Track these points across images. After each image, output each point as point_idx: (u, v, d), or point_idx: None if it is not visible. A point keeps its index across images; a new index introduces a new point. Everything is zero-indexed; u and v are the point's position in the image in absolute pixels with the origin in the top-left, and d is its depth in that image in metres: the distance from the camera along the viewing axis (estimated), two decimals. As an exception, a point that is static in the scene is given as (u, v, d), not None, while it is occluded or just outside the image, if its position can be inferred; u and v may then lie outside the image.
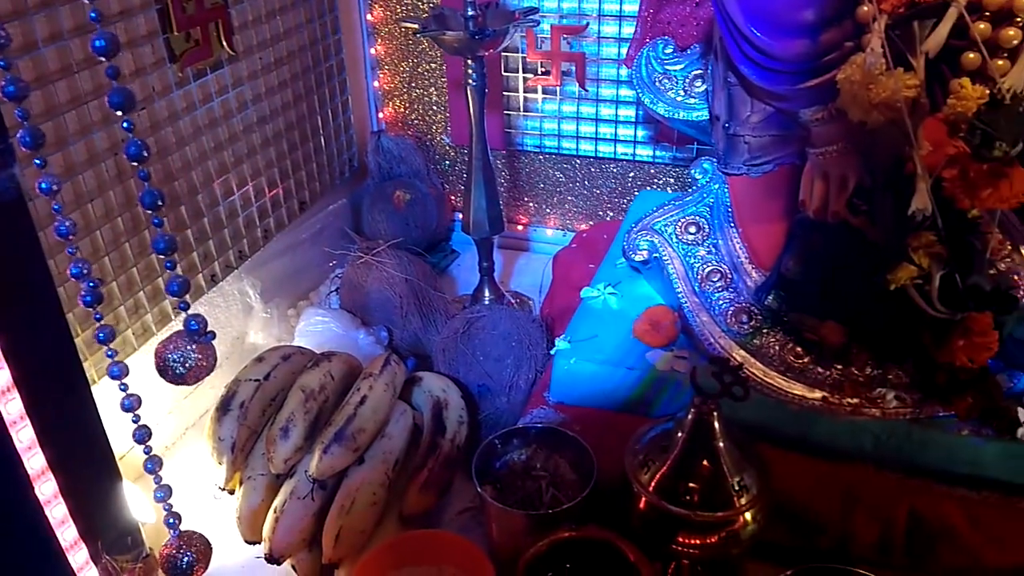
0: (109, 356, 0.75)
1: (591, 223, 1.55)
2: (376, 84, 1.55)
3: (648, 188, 1.48)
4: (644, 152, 1.46)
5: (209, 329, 0.73)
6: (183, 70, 1.07)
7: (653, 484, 0.82)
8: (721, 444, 0.80)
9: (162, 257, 0.72)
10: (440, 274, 1.50)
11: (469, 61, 1.15)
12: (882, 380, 0.91)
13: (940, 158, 0.82)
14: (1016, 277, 0.96)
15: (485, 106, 1.20)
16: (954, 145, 0.81)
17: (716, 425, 0.80)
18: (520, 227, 1.61)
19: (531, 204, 1.59)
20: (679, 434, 0.81)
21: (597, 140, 1.47)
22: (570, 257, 1.34)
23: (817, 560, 0.85)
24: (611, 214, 1.54)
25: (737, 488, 0.80)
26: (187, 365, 0.71)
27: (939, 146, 0.83)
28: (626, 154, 1.47)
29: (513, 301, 1.38)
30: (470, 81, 1.17)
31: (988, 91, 0.79)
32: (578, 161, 1.51)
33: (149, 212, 0.69)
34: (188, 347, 0.71)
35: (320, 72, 1.40)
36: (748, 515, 0.81)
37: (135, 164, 0.69)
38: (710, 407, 0.80)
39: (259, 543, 0.92)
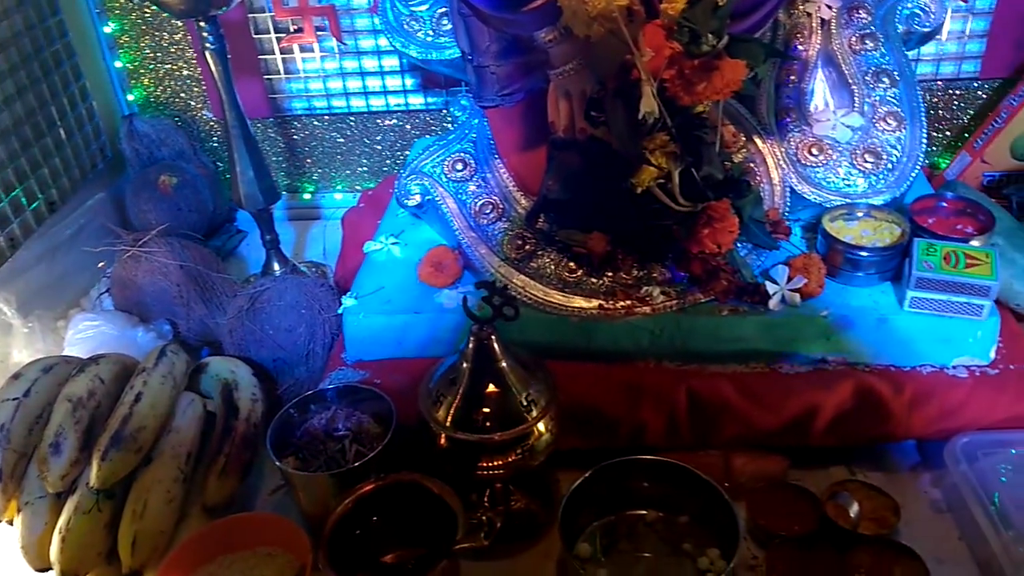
0: None
1: (380, 180, 1.52)
2: (118, 64, 1.43)
3: (428, 136, 1.47)
4: (417, 100, 1.45)
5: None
6: None
7: (448, 418, 0.83)
8: (504, 364, 0.83)
9: None
10: (227, 256, 1.43)
11: (202, 23, 1.08)
12: (648, 279, 0.97)
13: (661, 61, 0.87)
14: (752, 164, 1.04)
15: (236, 72, 1.14)
16: (670, 47, 0.85)
17: (496, 347, 0.82)
18: (308, 195, 1.56)
19: (315, 170, 1.54)
20: (464, 364, 0.82)
21: (367, 95, 1.44)
22: (357, 217, 1.31)
23: (618, 455, 0.90)
24: (397, 168, 1.52)
25: (525, 403, 0.83)
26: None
27: (659, 50, 0.87)
28: (399, 105, 1.45)
29: (307, 272, 1.34)
30: (207, 45, 1.10)
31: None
32: (352, 119, 1.48)
33: None
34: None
35: (45, 59, 1.27)
36: (541, 426, 0.84)
37: None
38: (487, 332, 0.81)
39: (50, 569, 0.85)
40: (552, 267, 1.00)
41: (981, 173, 1.29)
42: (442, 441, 0.84)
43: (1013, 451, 0.88)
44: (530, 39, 0.96)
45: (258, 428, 0.96)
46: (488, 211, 1.05)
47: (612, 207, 0.95)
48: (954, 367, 0.93)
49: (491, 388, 0.82)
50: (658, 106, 0.87)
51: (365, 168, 1.53)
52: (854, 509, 0.82)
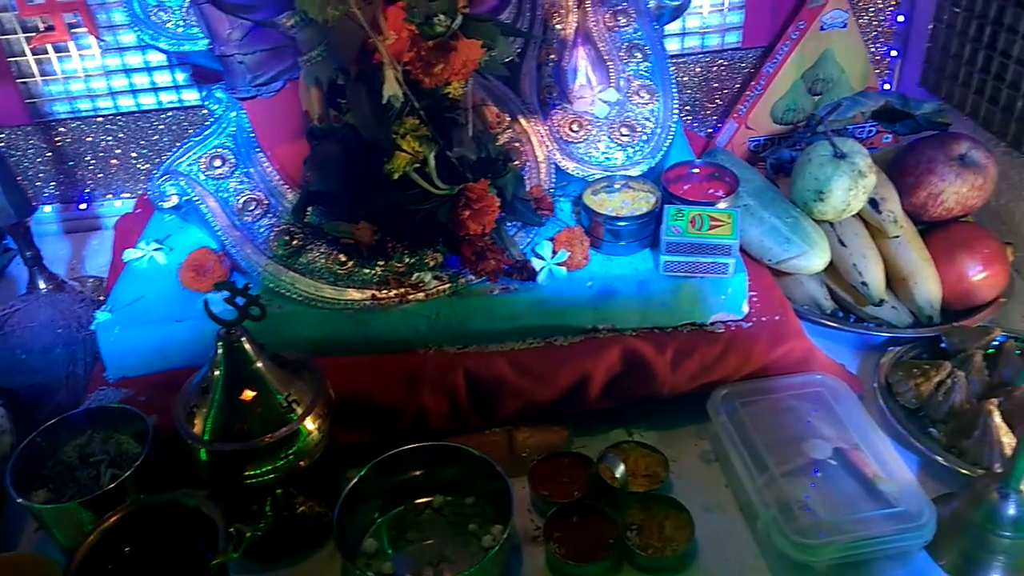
0: None
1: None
2: None
3: (210, 133, 1.40)
4: (191, 96, 1.36)
5: None
6: None
7: (205, 430, 0.79)
8: (259, 366, 0.79)
9: None
10: (-5, 278, 1.31)
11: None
12: (420, 265, 0.96)
13: (404, 44, 0.86)
14: (518, 144, 1.05)
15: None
16: (409, 29, 0.84)
17: (248, 349, 0.79)
18: (83, 205, 1.44)
19: (88, 177, 1.43)
20: (215, 372, 0.79)
21: (135, 93, 1.35)
22: (130, 224, 1.23)
23: (407, 443, 0.89)
24: (181, 169, 1.43)
25: (286, 404, 0.80)
26: None
27: (402, 32, 0.86)
28: (172, 102, 1.37)
29: (79, 288, 1.24)
30: (-79, 47, 0.99)
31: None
32: (122, 120, 1.38)
33: None
34: None
35: None
36: (309, 424, 0.81)
37: None
38: (235, 335, 0.78)
39: None
40: (322, 261, 0.97)
41: (747, 139, 1.37)
42: (202, 455, 0.79)
43: (766, 397, 0.94)
44: (272, 25, 0.92)
45: (7, 462, 0.88)
46: (252, 207, 1.00)
47: (374, 195, 0.93)
48: (712, 324, 0.98)
49: (248, 393, 0.79)
50: (404, 89, 0.86)
51: (145, 171, 1.43)
52: (619, 470, 0.85)
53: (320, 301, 0.95)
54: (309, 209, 0.99)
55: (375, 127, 0.85)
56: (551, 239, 0.97)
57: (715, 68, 1.43)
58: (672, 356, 0.94)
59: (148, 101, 1.36)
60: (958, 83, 1.28)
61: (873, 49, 1.43)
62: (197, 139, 1.04)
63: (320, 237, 0.98)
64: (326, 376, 0.85)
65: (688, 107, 1.46)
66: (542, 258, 0.96)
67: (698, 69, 1.42)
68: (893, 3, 1.39)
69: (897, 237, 1.05)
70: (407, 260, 0.97)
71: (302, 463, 0.82)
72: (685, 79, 1.43)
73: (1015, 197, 1.18)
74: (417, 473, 0.90)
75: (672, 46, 1.38)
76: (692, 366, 0.95)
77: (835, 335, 1.08)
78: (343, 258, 0.97)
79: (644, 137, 1.06)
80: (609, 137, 1.06)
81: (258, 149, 1.02)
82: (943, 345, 1.01)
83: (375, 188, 0.92)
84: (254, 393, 0.79)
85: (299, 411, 0.80)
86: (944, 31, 1.30)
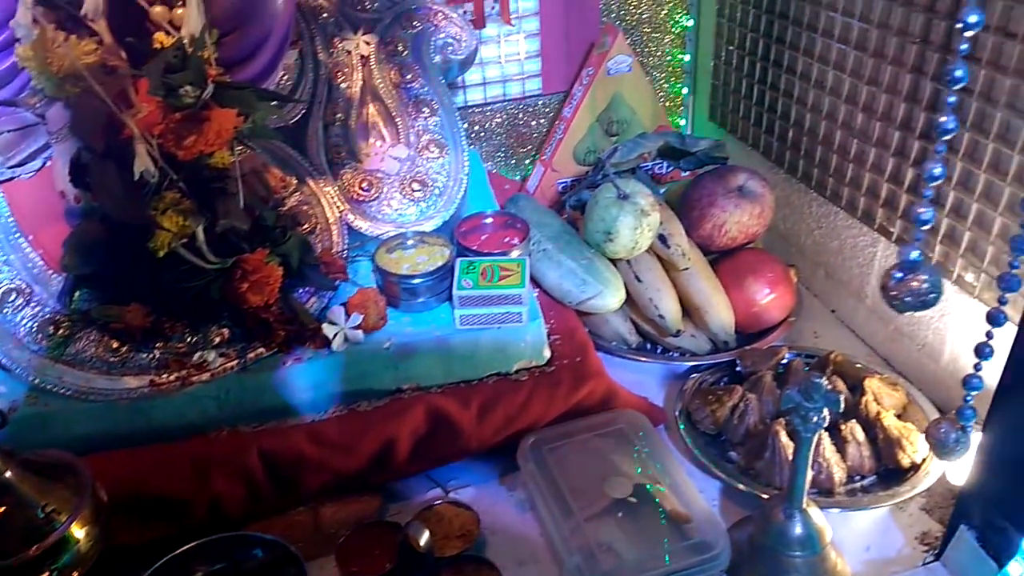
0: None
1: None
2: None
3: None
4: None
5: None
6: None
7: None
8: (9, 476, 0.72)
9: None
10: None
11: None
12: (204, 343, 0.91)
13: (157, 115, 0.82)
14: (307, 207, 1.03)
15: None
16: (158, 101, 0.81)
17: (-8, 462, 0.71)
18: None
19: None
20: (-47, 491, 0.71)
21: None
22: None
23: (200, 536, 0.83)
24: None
25: (44, 515, 0.73)
26: None
27: (152, 103, 0.82)
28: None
29: None
30: None
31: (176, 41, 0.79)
32: None
33: None
34: None
35: None
36: (75, 532, 0.74)
37: None
38: (-28, 446, 0.70)
39: None
40: (93, 349, 0.90)
41: (555, 181, 1.41)
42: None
43: (572, 440, 0.94)
44: (16, 104, 0.86)
45: None
46: (13, 298, 0.92)
47: (143, 274, 0.88)
48: (516, 372, 0.98)
49: (-4, 509, 0.71)
50: (160, 163, 0.82)
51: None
52: (424, 537, 0.82)
53: (93, 393, 0.88)
54: (76, 294, 0.92)
55: (127, 205, 0.80)
56: (342, 303, 0.94)
57: (520, 115, 1.46)
58: (477, 410, 0.93)
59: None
60: (740, 116, 1.36)
61: (667, 87, 1.51)
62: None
63: (90, 324, 0.91)
64: (100, 475, 0.78)
65: (500, 153, 1.48)
66: (334, 323, 0.93)
67: (503, 117, 1.45)
68: (679, 44, 1.47)
69: (687, 269, 1.09)
70: (189, 339, 0.91)
71: (76, 572, 0.75)
72: (492, 127, 1.45)
73: (798, 220, 1.26)
74: (219, 567, 0.84)
75: (475, 96, 1.41)
76: (498, 417, 0.94)
77: (644, 367, 1.11)
78: (116, 344, 0.90)
79: (437, 191, 1.06)
80: (401, 193, 1.06)
81: (18, 234, 0.94)
82: (738, 368, 1.05)
83: (143, 267, 0.87)
84: (6, 508, 0.71)
85: (62, 519, 0.73)
86: (724, 68, 1.39)
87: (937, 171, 0.71)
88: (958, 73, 0.66)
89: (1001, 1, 0.84)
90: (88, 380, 0.88)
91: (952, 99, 0.69)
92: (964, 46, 0.66)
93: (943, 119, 0.70)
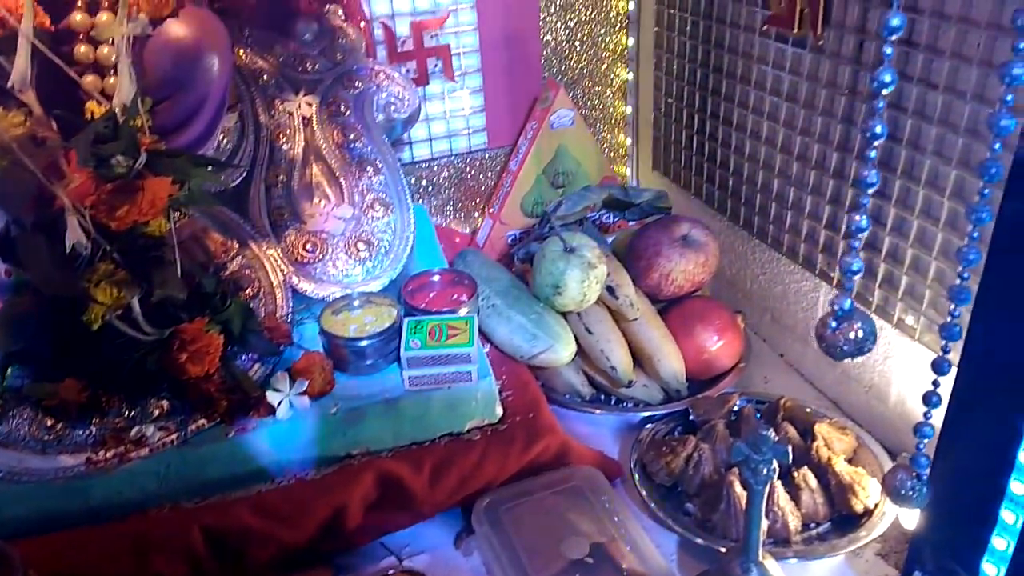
0: None
1: None
2: None
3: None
4: None
5: None
6: None
7: None
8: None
9: None
10: None
11: None
12: (143, 417, 0.88)
13: (89, 186, 0.80)
14: (250, 271, 1.01)
15: None
16: (90, 172, 0.79)
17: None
18: None
19: None
20: None
21: None
22: None
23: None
24: None
25: (-33, 612, 0.69)
26: None
27: (84, 174, 0.80)
28: None
29: None
30: None
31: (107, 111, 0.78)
32: None
33: None
34: None
35: None
36: (2, 632, 0.70)
37: None
38: None
39: None
40: (26, 427, 0.86)
41: (504, 234, 1.41)
42: None
43: (527, 500, 0.93)
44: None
45: None
46: (-62, 378, 0.88)
47: (78, 348, 0.85)
48: (469, 431, 0.96)
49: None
50: (92, 234, 0.79)
51: None
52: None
53: (26, 474, 0.84)
54: (8, 371, 0.88)
55: (58, 279, 0.77)
56: (286, 370, 0.92)
57: (467, 169, 1.47)
58: (430, 473, 0.91)
59: None
60: (682, 166, 1.38)
61: (610, 138, 1.53)
62: None
63: (23, 401, 0.87)
64: (33, 560, 0.74)
65: (449, 207, 1.48)
66: (278, 390, 0.90)
67: (451, 171, 1.45)
68: (620, 96, 1.50)
69: (636, 319, 1.09)
70: (127, 413, 0.88)
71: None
72: (440, 181, 1.45)
73: (743, 266, 1.28)
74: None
75: (422, 151, 1.41)
76: (451, 480, 0.92)
77: (598, 419, 1.10)
78: (50, 422, 0.86)
79: (383, 250, 1.05)
80: (347, 253, 1.04)
81: (-52, 314, 0.91)
82: (691, 418, 1.05)
83: (78, 340, 0.84)
84: (-78, 606, 0.67)
85: (-14, 616, 0.69)
86: (664, 120, 1.41)
87: (864, 223, 0.73)
88: (878, 129, 0.68)
89: (922, 54, 0.87)
90: (21, 460, 0.84)
91: (873, 154, 0.71)
92: (880, 104, 0.68)
93: (865, 173, 0.72)
